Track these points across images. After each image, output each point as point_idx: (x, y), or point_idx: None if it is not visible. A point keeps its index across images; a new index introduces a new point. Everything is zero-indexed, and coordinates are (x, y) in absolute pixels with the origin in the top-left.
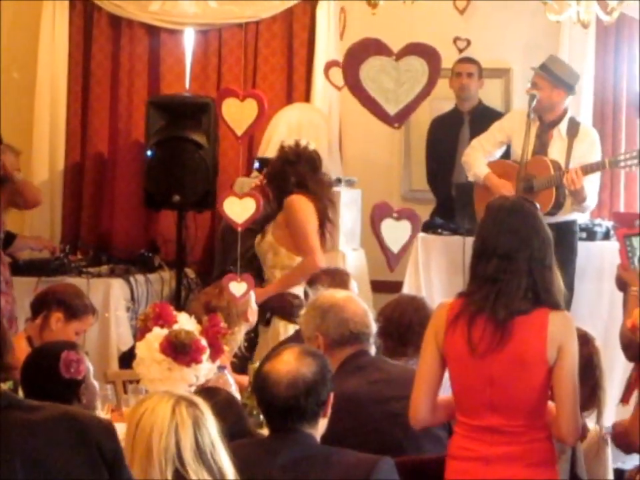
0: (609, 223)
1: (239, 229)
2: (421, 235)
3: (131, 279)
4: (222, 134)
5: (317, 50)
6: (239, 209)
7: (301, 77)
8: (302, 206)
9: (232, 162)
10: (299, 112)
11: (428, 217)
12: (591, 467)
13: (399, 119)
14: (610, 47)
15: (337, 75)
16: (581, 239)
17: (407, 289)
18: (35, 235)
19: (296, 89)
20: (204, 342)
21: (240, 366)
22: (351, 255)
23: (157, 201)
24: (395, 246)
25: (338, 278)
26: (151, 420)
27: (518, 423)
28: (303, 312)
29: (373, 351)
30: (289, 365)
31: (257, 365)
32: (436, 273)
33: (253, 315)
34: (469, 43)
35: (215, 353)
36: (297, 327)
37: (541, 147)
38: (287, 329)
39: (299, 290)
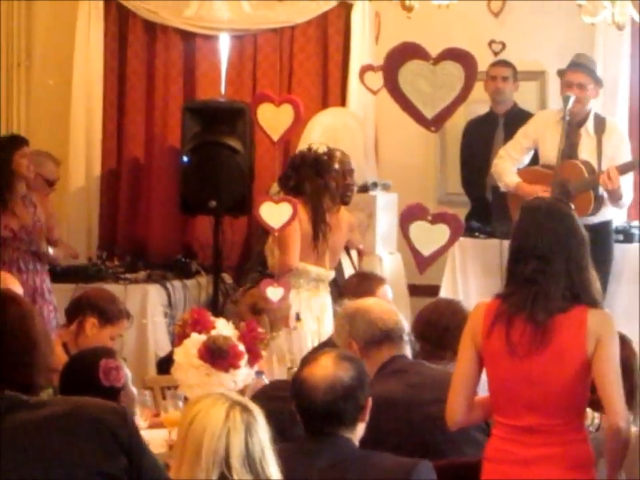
0: None
1: (276, 234)
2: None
3: (168, 284)
4: (257, 139)
5: (352, 54)
6: (275, 213)
7: (336, 81)
8: None
9: (268, 167)
10: (334, 116)
11: (463, 220)
12: (630, 469)
13: (436, 123)
14: None
15: (372, 79)
16: (618, 240)
17: (444, 293)
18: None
19: (331, 93)
20: (242, 347)
21: None
22: (388, 258)
23: (193, 207)
24: (425, 249)
25: (364, 285)
26: (204, 421)
27: (556, 421)
28: (333, 326)
29: (408, 350)
30: (327, 370)
31: (295, 369)
32: (473, 276)
33: (292, 320)
34: (504, 45)
35: (253, 358)
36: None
37: (571, 147)
38: None
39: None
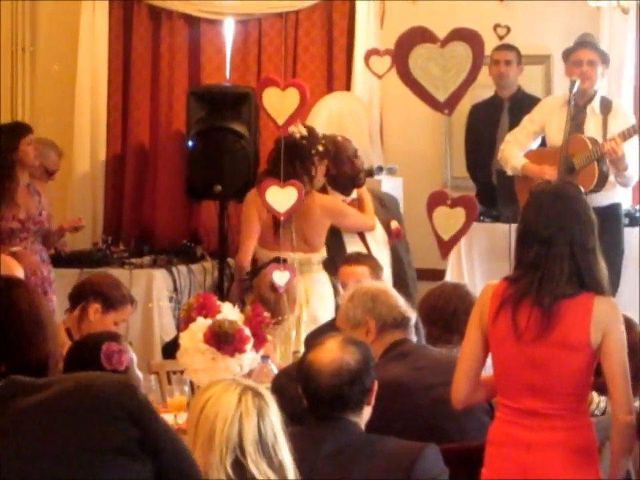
0: None
1: (282, 218)
2: None
3: (174, 269)
4: (262, 123)
5: (357, 38)
6: (281, 198)
7: (341, 65)
8: (246, 200)
9: None
10: (339, 101)
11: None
12: (635, 454)
13: (449, 106)
14: None
15: (377, 63)
16: (624, 224)
17: (449, 277)
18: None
19: (336, 77)
20: (247, 332)
21: None
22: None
23: (199, 192)
24: (445, 234)
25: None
26: (215, 407)
27: (559, 406)
28: (345, 300)
29: (414, 336)
30: (333, 354)
31: (300, 353)
32: (478, 260)
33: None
34: (508, 29)
35: (259, 342)
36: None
37: (577, 127)
38: None
39: None
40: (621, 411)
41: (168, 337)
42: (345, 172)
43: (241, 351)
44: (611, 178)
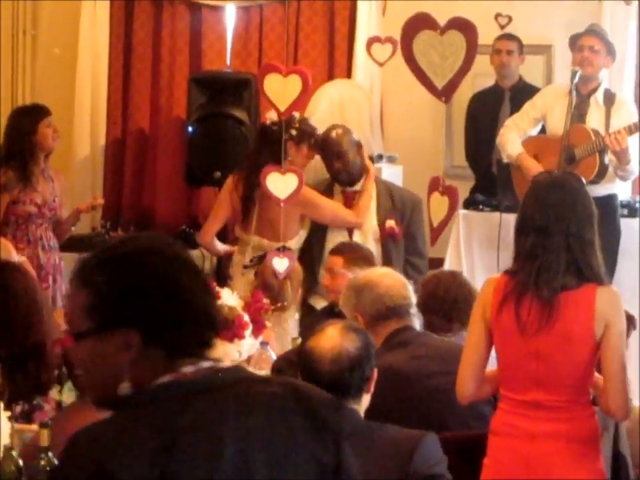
0: None
1: (282, 205)
2: (463, 211)
3: None
4: (263, 110)
5: (359, 26)
6: (281, 184)
7: (343, 53)
8: (225, 183)
9: None
10: (340, 88)
11: (468, 194)
12: (634, 443)
13: (446, 93)
14: None
15: (379, 50)
16: (622, 215)
17: (447, 265)
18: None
19: (337, 65)
20: (246, 318)
21: None
22: None
23: (198, 177)
24: (435, 220)
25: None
26: None
27: (562, 398)
28: (341, 296)
29: (417, 323)
30: (333, 341)
31: (300, 340)
32: (477, 249)
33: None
34: (510, 19)
35: (258, 328)
36: None
37: (579, 117)
38: None
39: None
40: (609, 407)
41: None
42: (336, 167)
43: (240, 337)
44: (609, 170)
